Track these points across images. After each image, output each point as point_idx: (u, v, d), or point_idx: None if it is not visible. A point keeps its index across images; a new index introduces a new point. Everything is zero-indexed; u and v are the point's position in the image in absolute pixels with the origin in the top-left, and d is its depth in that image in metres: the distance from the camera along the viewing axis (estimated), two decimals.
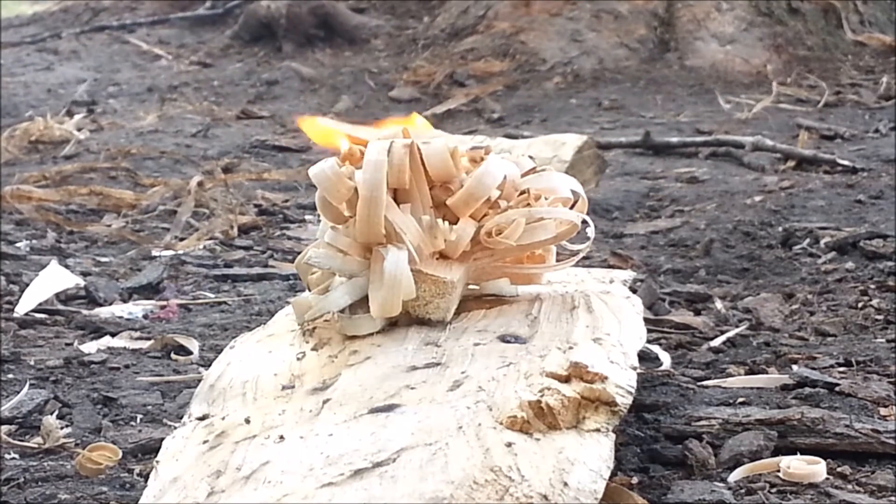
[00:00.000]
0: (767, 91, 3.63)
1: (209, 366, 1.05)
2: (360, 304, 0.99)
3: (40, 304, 1.61)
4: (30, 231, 2.09)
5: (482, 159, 1.03)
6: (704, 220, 2.13)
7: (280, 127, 3.33)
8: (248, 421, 0.85)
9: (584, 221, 1.05)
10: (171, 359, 1.41)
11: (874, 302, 1.58)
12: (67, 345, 1.46)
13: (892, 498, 0.96)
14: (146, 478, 0.97)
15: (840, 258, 1.83)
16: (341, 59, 4.23)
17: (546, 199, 1.04)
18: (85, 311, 1.61)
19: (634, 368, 0.90)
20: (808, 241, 1.93)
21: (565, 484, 0.74)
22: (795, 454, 1.01)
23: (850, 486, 0.98)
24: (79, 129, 3.06)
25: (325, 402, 0.86)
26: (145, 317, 1.59)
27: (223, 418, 0.87)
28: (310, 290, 1.05)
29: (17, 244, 1.98)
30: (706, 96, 3.67)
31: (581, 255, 1.08)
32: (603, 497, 0.76)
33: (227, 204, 2.23)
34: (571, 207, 1.05)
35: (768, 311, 1.58)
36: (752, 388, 1.20)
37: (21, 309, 1.59)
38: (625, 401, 0.84)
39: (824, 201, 2.24)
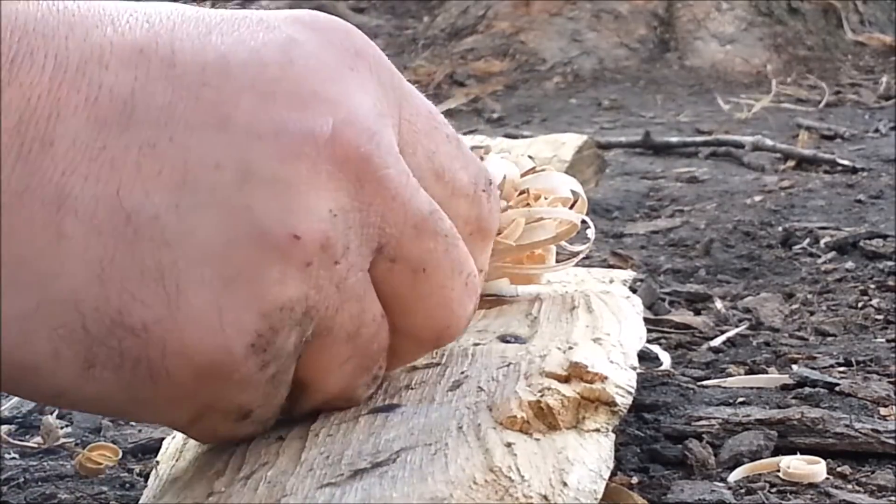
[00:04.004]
0: (767, 91, 3.63)
1: None
2: None
3: None
4: None
5: (481, 159, 1.03)
6: (704, 219, 2.13)
7: None
8: None
9: (583, 222, 1.05)
10: None
11: (874, 302, 1.58)
12: None
13: (892, 498, 0.96)
14: (146, 478, 0.97)
15: (840, 258, 1.83)
16: None
17: (546, 198, 1.04)
18: None
19: (634, 368, 0.90)
20: (808, 240, 1.93)
21: (565, 484, 0.74)
22: (795, 454, 1.01)
23: (850, 486, 0.98)
24: None
25: None
26: None
27: None
28: None
29: None
30: (706, 96, 3.67)
31: (581, 255, 1.08)
32: (603, 497, 0.76)
33: None
34: (571, 207, 1.05)
35: (768, 310, 1.58)
36: (752, 388, 1.20)
37: None
38: (625, 401, 0.84)
39: (824, 201, 2.24)
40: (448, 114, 3.54)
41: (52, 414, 1.19)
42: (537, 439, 0.79)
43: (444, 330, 0.67)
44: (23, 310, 0.53)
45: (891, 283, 1.66)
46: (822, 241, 1.90)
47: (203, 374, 0.56)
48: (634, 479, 0.99)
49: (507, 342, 0.94)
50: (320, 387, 0.64)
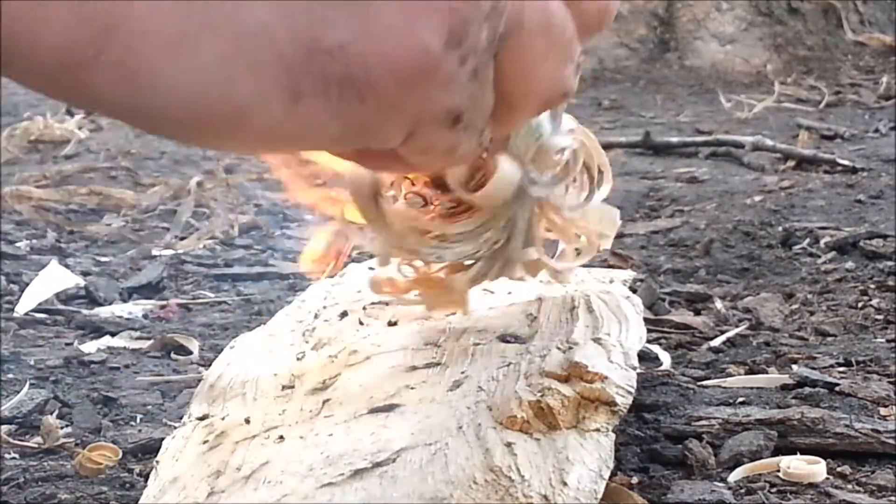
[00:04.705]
0: (767, 91, 3.63)
1: (209, 366, 1.05)
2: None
3: (40, 304, 1.61)
4: (30, 231, 2.09)
5: None
6: (704, 220, 2.13)
7: None
8: (248, 421, 0.85)
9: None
10: (171, 359, 1.41)
11: (874, 302, 1.58)
12: (67, 345, 1.46)
13: (892, 498, 0.96)
14: (146, 478, 0.97)
15: (840, 258, 1.83)
16: None
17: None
18: (85, 311, 1.61)
19: (634, 368, 0.90)
20: (808, 240, 1.93)
21: (565, 484, 0.75)
22: (795, 454, 1.01)
23: (850, 486, 0.98)
24: (79, 129, 3.06)
25: (325, 402, 0.86)
26: (145, 317, 1.59)
27: (223, 418, 0.87)
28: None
29: (17, 244, 1.98)
30: (706, 96, 3.67)
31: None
32: (603, 497, 0.76)
33: (228, 204, 2.23)
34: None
35: (768, 311, 1.58)
36: (752, 388, 1.20)
37: (21, 309, 1.59)
38: (625, 401, 0.84)
39: (824, 201, 2.24)
40: None
41: (52, 414, 1.19)
42: (537, 439, 0.79)
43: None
44: (220, 52, 0.53)
45: (891, 283, 1.66)
46: (822, 241, 1.90)
47: (407, 81, 0.57)
48: (634, 479, 0.99)
49: (507, 342, 0.94)
50: (530, 86, 0.64)
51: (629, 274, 1.25)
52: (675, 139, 2.97)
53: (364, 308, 1.03)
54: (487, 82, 0.61)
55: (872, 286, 1.65)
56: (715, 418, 1.09)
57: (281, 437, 0.81)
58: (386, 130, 0.60)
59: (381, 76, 0.56)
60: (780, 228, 2.01)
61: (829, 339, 1.45)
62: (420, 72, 0.57)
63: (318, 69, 0.55)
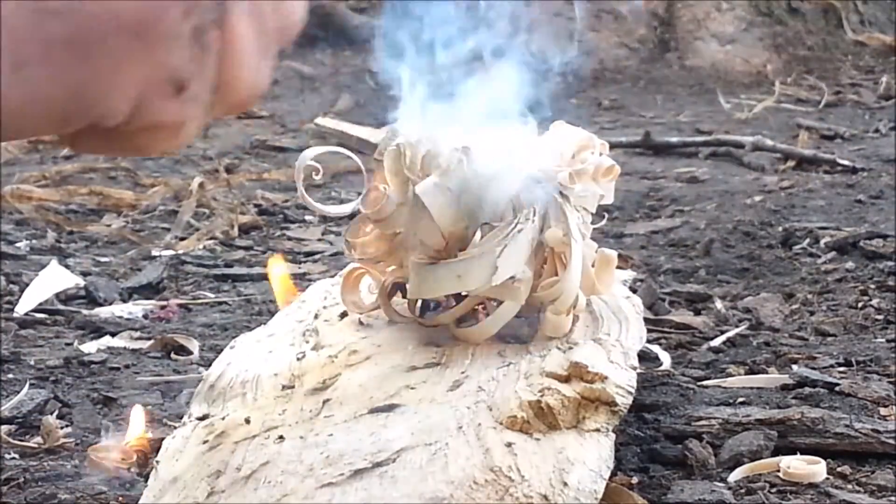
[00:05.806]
0: (767, 91, 3.63)
1: (209, 366, 1.05)
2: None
3: (40, 304, 1.61)
4: (30, 231, 2.09)
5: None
6: (704, 220, 2.13)
7: (280, 127, 3.33)
8: (248, 421, 0.85)
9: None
10: (171, 359, 1.41)
11: (874, 302, 1.58)
12: (67, 345, 1.46)
13: (892, 498, 0.96)
14: (146, 478, 0.97)
15: (840, 258, 1.83)
16: (341, 58, 4.23)
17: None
18: (85, 311, 1.61)
19: (634, 368, 0.90)
20: (808, 241, 1.93)
21: (565, 484, 0.75)
22: (795, 454, 1.02)
23: (850, 486, 0.98)
24: None
25: (325, 402, 0.86)
26: (145, 317, 1.59)
27: (223, 418, 0.87)
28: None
29: (17, 244, 1.98)
30: (706, 96, 3.67)
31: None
32: (603, 497, 0.76)
33: (228, 204, 2.23)
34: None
35: (768, 311, 1.58)
36: (752, 388, 1.20)
37: (21, 309, 1.59)
38: (625, 401, 0.85)
39: (824, 201, 2.24)
40: None
41: (52, 414, 1.19)
42: (537, 439, 0.79)
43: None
44: None
45: (891, 283, 1.66)
46: (822, 241, 1.90)
47: (132, 32, 0.57)
48: (634, 479, 0.99)
49: (508, 342, 0.94)
50: (243, 70, 0.63)
51: (629, 274, 1.25)
52: (675, 139, 2.97)
53: None
54: (210, 51, 0.60)
55: (872, 286, 1.65)
56: (715, 418, 1.09)
57: (281, 437, 0.81)
58: (112, 96, 0.58)
59: (107, 31, 0.56)
60: (780, 228, 2.01)
61: (829, 339, 1.45)
62: (146, 19, 0.57)
63: (42, 33, 0.54)
